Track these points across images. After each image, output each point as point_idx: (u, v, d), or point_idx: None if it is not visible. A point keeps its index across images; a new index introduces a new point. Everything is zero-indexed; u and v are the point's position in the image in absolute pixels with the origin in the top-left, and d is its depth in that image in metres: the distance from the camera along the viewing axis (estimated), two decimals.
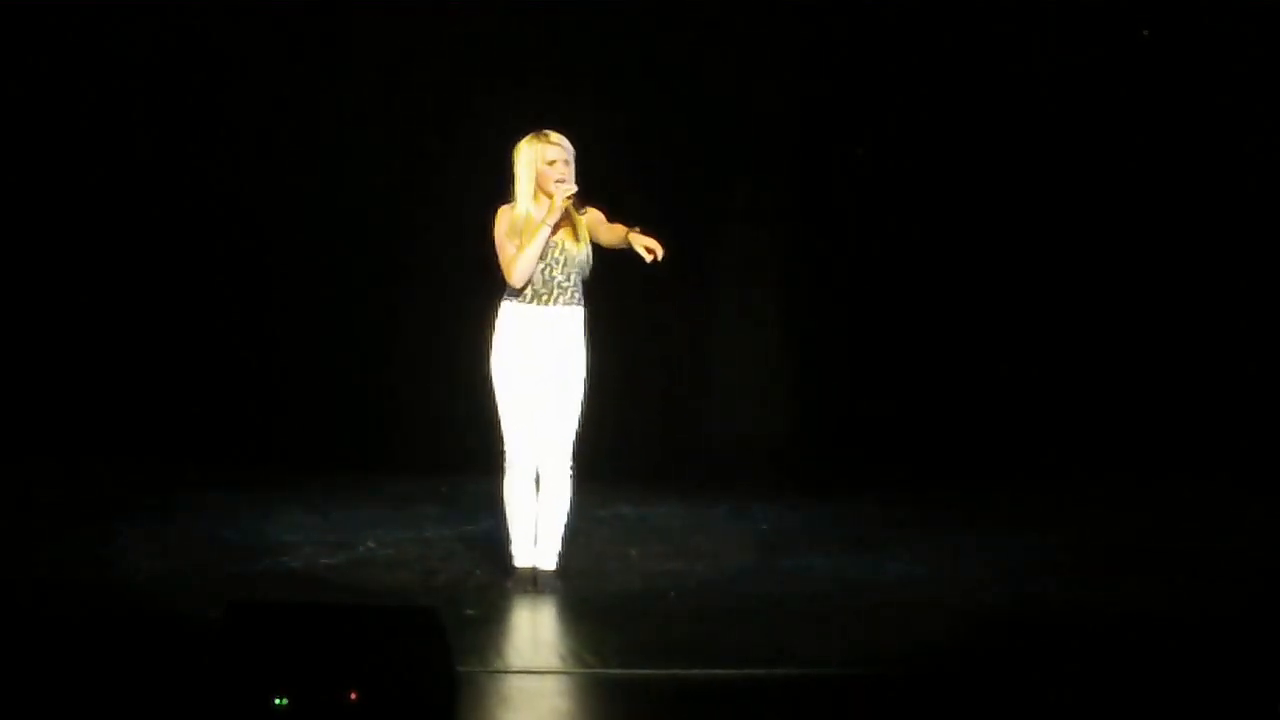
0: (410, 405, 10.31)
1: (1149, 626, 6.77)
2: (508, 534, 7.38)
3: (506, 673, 6.30)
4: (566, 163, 7.15)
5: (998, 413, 10.45)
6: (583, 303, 7.26)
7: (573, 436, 7.27)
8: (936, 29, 10.27)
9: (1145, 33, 10.22)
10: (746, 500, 9.31)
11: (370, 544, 8.20)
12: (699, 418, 10.63)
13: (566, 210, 7.15)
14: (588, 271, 7.24)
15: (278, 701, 4.97)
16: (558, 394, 7.21)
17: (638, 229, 7.13)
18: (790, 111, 10.47)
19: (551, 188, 7.13)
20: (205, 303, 10.36)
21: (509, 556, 7.40)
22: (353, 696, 4.99)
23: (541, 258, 7.16)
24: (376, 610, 5.91)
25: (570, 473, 7.30)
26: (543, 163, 7.15)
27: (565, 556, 7.41)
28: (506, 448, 7.27)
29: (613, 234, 7.20)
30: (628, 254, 7.18)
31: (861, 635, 6.76)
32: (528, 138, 7.22)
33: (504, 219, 7.24)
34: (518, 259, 7.14)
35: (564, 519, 7.34)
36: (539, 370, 7.20)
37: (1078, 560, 8.05)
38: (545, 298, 7.20)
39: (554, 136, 7.19)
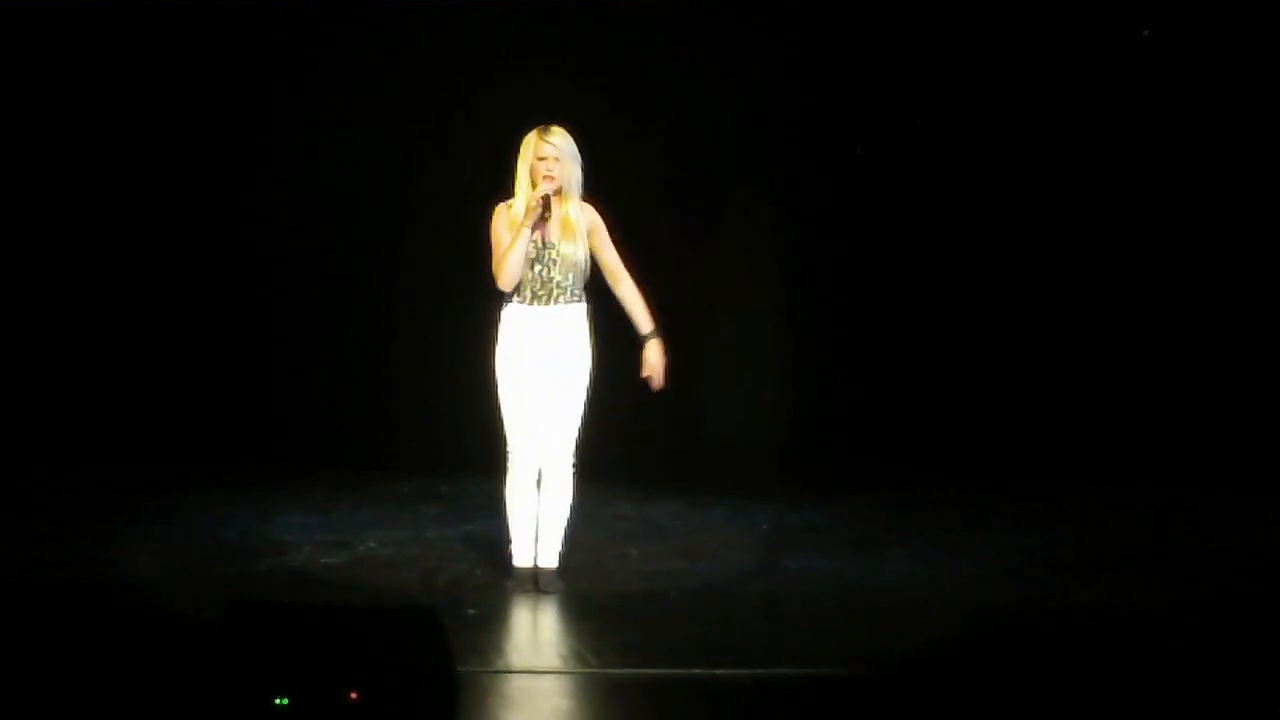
0: (411, 405, 10.31)
1: (1149, 626, 6.76)
2: (508, 534, 7.36)
3: (507, 672, 6.30)
4: (557, 160, 7.10)
5: (998, 413, 10.45)
6: (584, 299, 7.26)
7: (575, 434, 7.26)
8: (936, 29, 10.26)
9: (1145, 33, 10.22)
10: (747, 500, 9.31)
11: (371, 544, 8.21)
12: (700, 417, 10.62)
13: (550, 208, 7.11)
14: (586, 269, 7.23)
15: (278, 701, 4.97)
16: (561, 391, 7.21)
17: (655, 344, 7.29)
18: (791, 111, 10.46)
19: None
20: (205, 303, 10.36)
21: (509, 556, 7.38)
22: (353, 696, 4.98)
23: (538, 260, 7.15)
24: (376, 610, 5.91)
25: (572, 470, 7.30)
26: (535, 158, 7.13)
27: (566, 555, 7.41)
28: (510, 449, 7.25)
29: (626, 304, 7.30)
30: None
31: (861, 635, 6.76)
32: (530, 132, 7.21)
33: (500, 216, 7.21)
34: (503, 261, 7.12)
35: (565, 517, 7.34)
36: (543, 370, 7.20)
37: (1078, 560, 8.05)
38: (545, 298, 7.18)
39: (552, 132, 7.14)
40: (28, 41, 10.04)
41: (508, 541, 7.38)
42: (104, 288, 10.30)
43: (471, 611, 7.02)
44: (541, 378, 7.19)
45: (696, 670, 6.26)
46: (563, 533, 7.36)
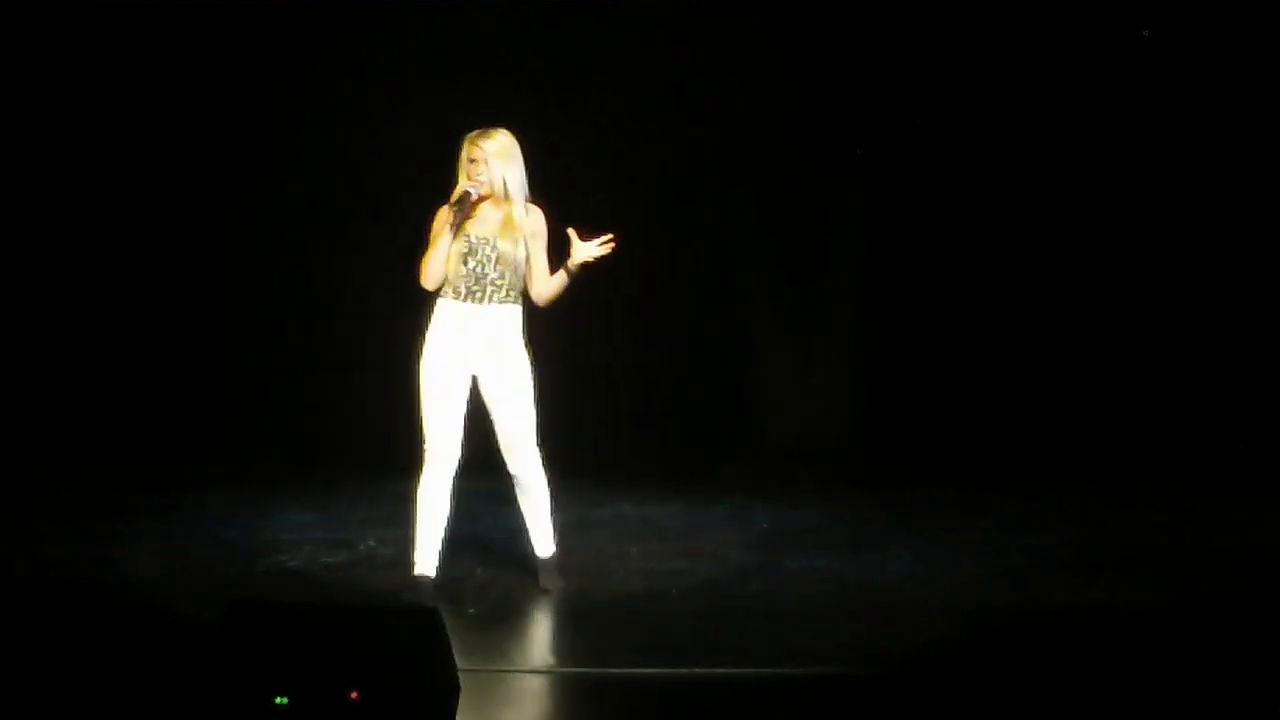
0: (410, 405, 10.29)
1: (1149, 626, 6.77)
2: (413, 538, 7.18)
3: (507, 672, 6.30)
4: (487, 163, 7.05)
5: (999, 413, 10.45)
6: (519, 300, 7.17)
7: (533, 433, 7.19)
8: (936, 29, 10.26)
9: (1145, 33, 10.22)
10: (747, 500, 9.31)
11: (370, 543, 8.21)
12: (700, 417, 10.62)
13: (466, 205, 7.04)
14: (522, 269, 7.14)
15: (278, 701, 4.97)
16: (504, 395, 7.14)
17: (570, 256, 7.10)
18: (791, 111, 10.45)
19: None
20: (206, 303, 10.36)
21: (410, 564, 7.19)
22: (353, 696, 4.99)
23: (472, 254, 7.09)
24: (376, 610, 5.91)
25: (540, 465, 7.24)
26: (467, 161, 7.11)
27: (565, 554, 7.42)
28: (426, 446, 7.17)
29: (551, 283, 7.15)
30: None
31: (862, 635, 6.76)
32: (468, 135, 7.15)
33: (440, 216, 7.18)
34: (424, 259, 7.12)
35: (549, 507, 7.33)
36: (473, 370, 7.14)
37: (1078, 560, 8.05)
38: (478, 295, 7.11)
39: (484, 135, 7.09)
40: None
41: (411, 547, 7.18)
42: (103, 288, 10.30)
43: (471, 611, 7.03)
44: (466, 381, 7.13)
45: (696, 670, 6.26)
46: (550, 521, 7.36)
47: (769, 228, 10.61)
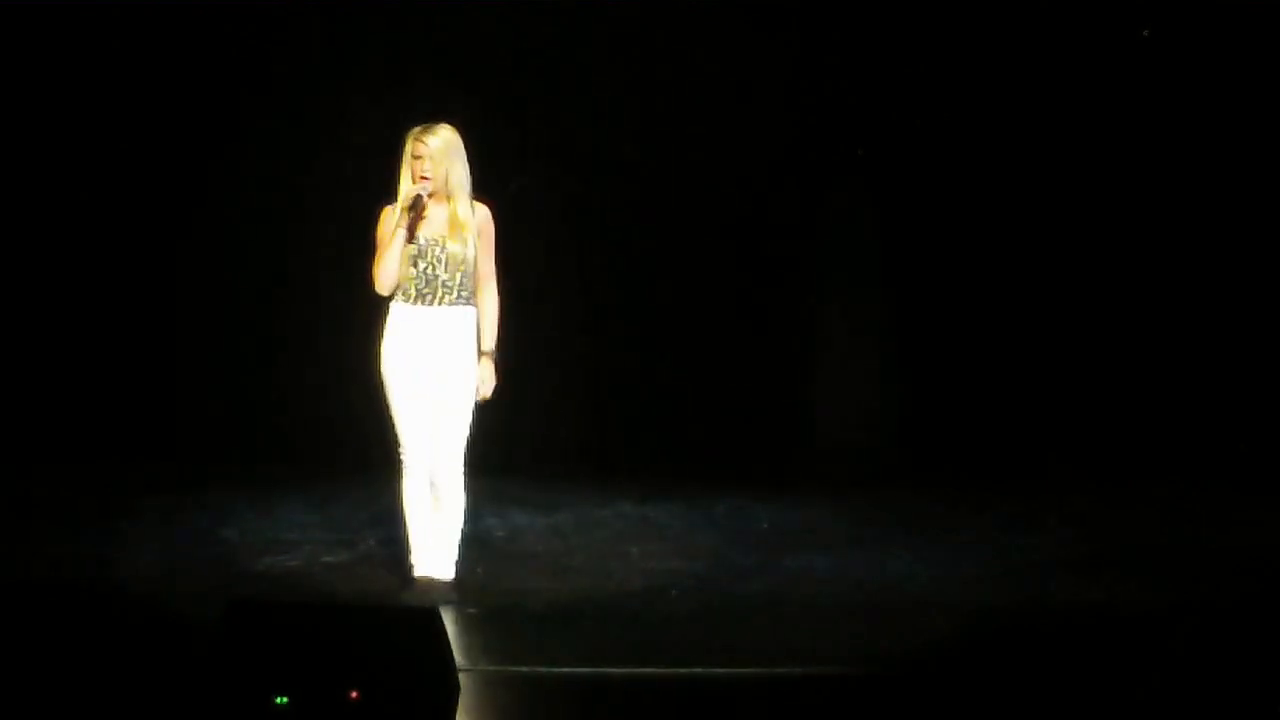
0: None
1: (1149, 626, 6.77)
2: (407, 543, 7.19)
3: (507, 672, 6.30)
4: (434, 160, 6.99)
5: (999, 413, 10.45)
6: (471, 302, 7.11)
7: (464, 440, 7.11)
8: (936, 29, 10.26)
9: (1145, 33, 10.22)
10: (747, 500, 9.31)
11: (371, 543, 8.21)
12: (699, 417, 10.62)
13: (420, 207, 6.99)
14: (472, 268, 7.07)
15: (278, 701, 4.97)
16: (446, 397, 7.07)
17: (488, 363, 7.09)
18: (791, 111, 10.45)
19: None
20: (206, 303, 10.36)
21: (409, 567, 7.21)
22: (353, 696, 4.99)
23: (421, 256, 7.04)
24: (376, 610, 5.91)
25: (461, 480, 7.13)
26: (411, 159, 7.05)
27: (567, 553, 7.41)
28: (402, 452, 7.11)
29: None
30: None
31: (862, 635, 6.77)
32: (411, 131, 7.09)
33: (385, 218, 7.11)
34: (377, 263, 7.06)
35: (459, 526, 7.20)
36: (428, 371, 7.05)
37: (1078, 560, 8.05)
38: (431, 298, 7.05)
39: (428, 132, 7.03)
40: None
41: (407, 552, 7.20)
42: (104, 287, 10.29)
43: (472, 611, 7.02)
44: (429, 382, 7.06)
45: (697, 670, 6.26)
46: (457, 542, 7.22)
47: (767, 229, 10.60)
